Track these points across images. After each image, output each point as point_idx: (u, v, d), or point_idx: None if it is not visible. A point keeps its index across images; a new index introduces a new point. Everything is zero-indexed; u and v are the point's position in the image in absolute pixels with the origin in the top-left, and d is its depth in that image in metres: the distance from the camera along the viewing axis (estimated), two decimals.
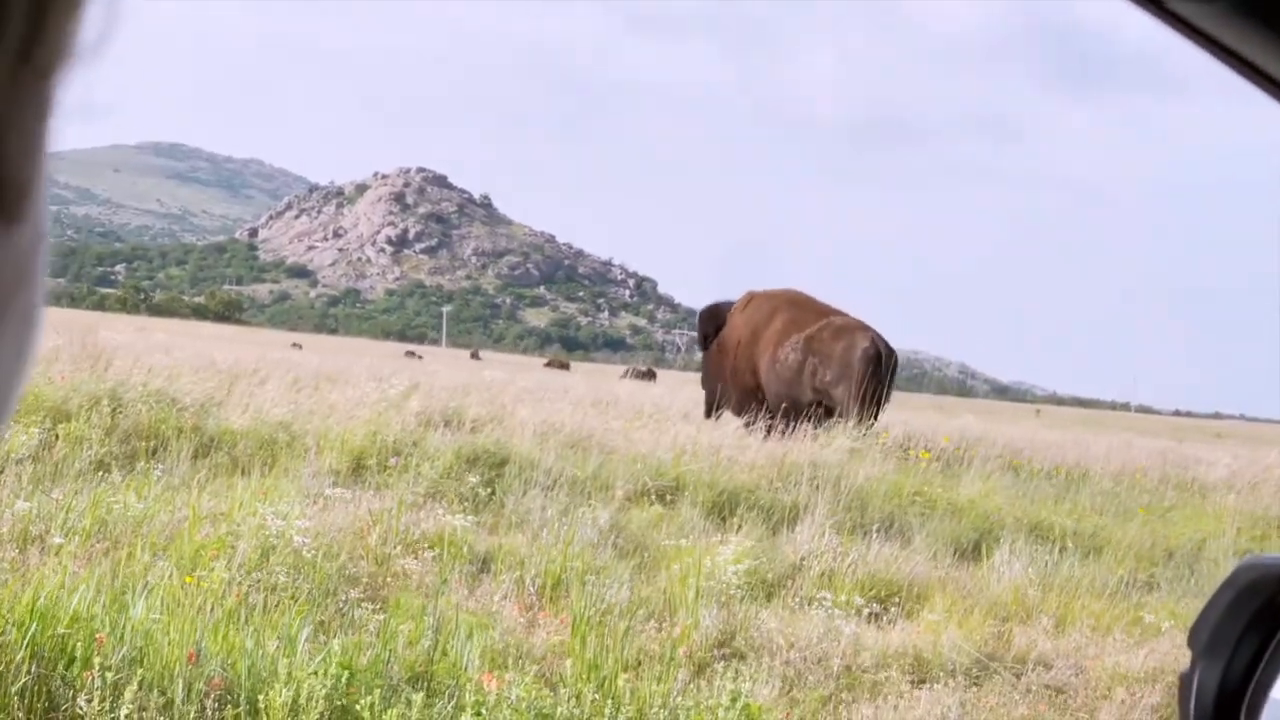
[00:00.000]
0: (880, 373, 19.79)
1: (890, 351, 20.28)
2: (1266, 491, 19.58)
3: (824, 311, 21.18)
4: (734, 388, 20.76)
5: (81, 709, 6.34)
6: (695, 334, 20.61)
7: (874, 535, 13.09)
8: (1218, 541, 15.27)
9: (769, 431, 18.72)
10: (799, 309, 21.11)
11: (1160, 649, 10.47)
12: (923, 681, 9.55)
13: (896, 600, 11.46)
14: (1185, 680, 1.54)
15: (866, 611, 10.85)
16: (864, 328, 20.49)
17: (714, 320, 21.95)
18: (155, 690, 6.60)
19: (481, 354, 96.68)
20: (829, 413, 19.74)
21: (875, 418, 19.64)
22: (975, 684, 9.70)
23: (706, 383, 21.93)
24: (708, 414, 20.90)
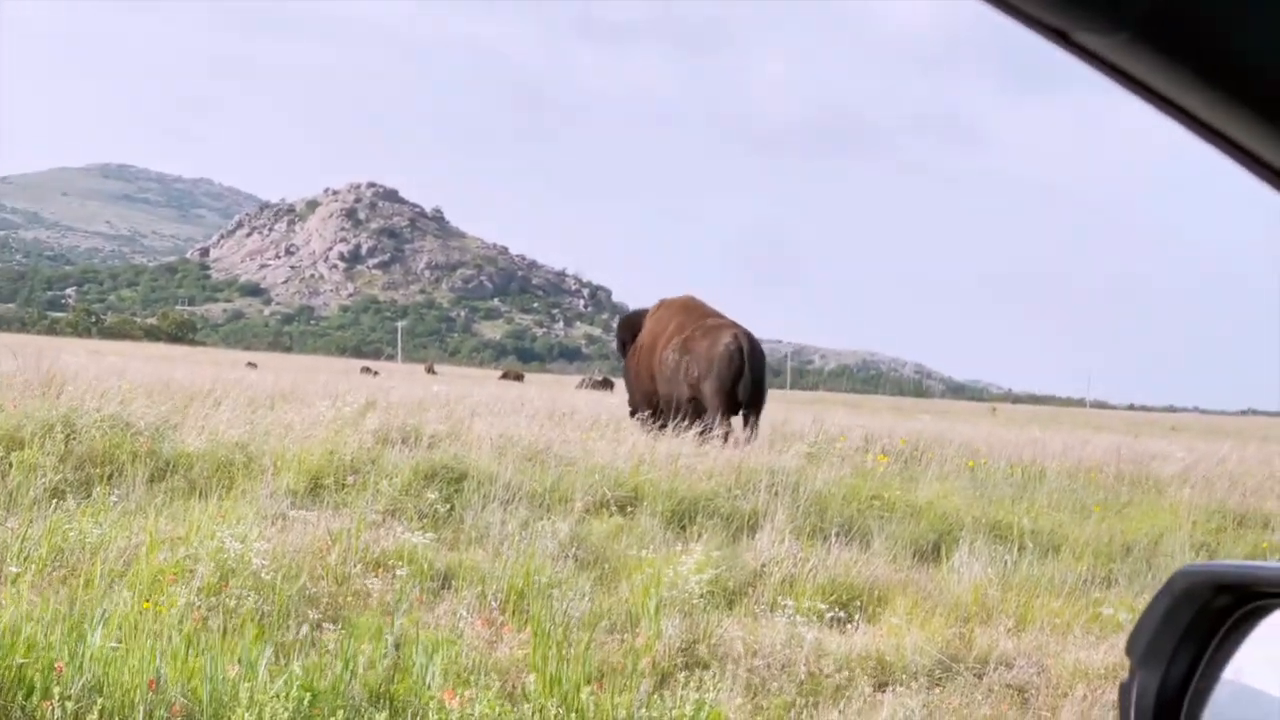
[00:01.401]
0: (741, 367, 20.22)
1: (754, 347, 20.71)
2: (1221, 485, 19.72)
3: (705, 314, 21.80)
4: (638, 390, 21.63)
5: None
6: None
7: (834, 540, 13.13)
8: (1174, 536, 15.37)
9: (663, 429, 19.31)
10: (687, 314, 21.72)
11: (1120, 645, 10.53)
12: (885, 685, 9.60)
13: (858, 604, 11.50)
14: (1125, 689, 1.57)
15: (828, 616, 10.90)
16: (730, 326, 21.03)
17: (630, 328, 22.85)
18: (116, 718, 6.58)
19: (437, 368, 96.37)
20: (700, 410, 20.30)
21: (755, 412, 20.29)
22: (938, 685, 9.75)
23: (628, 387, 22.76)
24: (632, 415, 21.50)
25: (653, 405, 21.04)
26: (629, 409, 22.12)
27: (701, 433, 18.67)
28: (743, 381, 20.20)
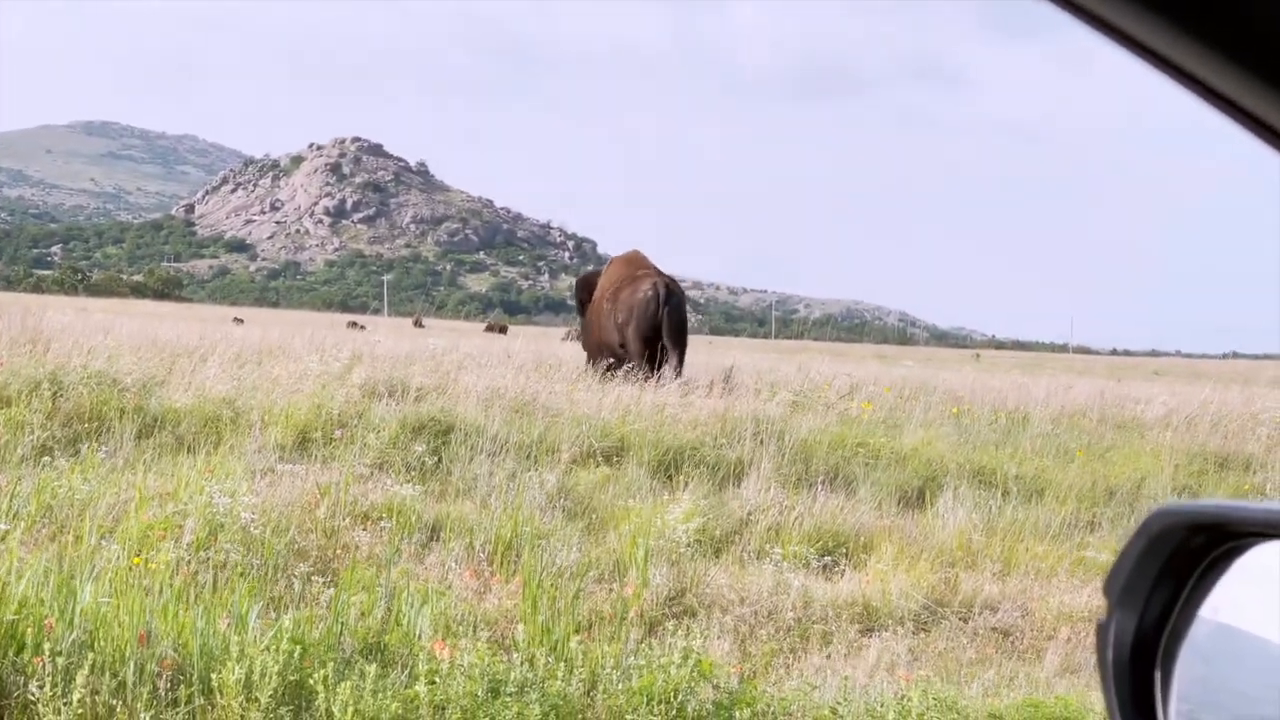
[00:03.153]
0: (658, 312, 21.44)
1: (671, 294, 21.82)
2: (1203, 428, 19.78)
3: (640, 265, 23.14)
4: (593, 341, 22.72)
5: (33, 695, 6.35)
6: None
7: (819, 487, 13.18)
8: (1157, 479, 15.44)
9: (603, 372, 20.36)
10: (629, 266, 23.17)
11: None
12: (871, 630, 9.67)
13: (844, 551, 11.56)
14: (1102, 629, 1.59)
15: (815, 564, 10.96)
16: (652, 276, 22.27)
17: (587, 287, 24.02)
18: (107, 673, 6.61)
19: (425, 321, 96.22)
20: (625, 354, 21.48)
21: (678, 354, 21.34)
22: (923, 630, 9.83)
23: (584, 340, 23.99)
24: (588, 364, 22.40)
25: (608, 355, 21.91)
26: (586, 360, 22.91)
27: (626, 374, 19.66)
28: (662, 326, 21.36)
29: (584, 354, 23.52)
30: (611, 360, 21.32)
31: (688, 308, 23.10)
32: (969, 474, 14.56)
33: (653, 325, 21.40)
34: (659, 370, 20.18)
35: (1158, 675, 1.57)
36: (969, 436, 17.21)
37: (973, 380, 28.02)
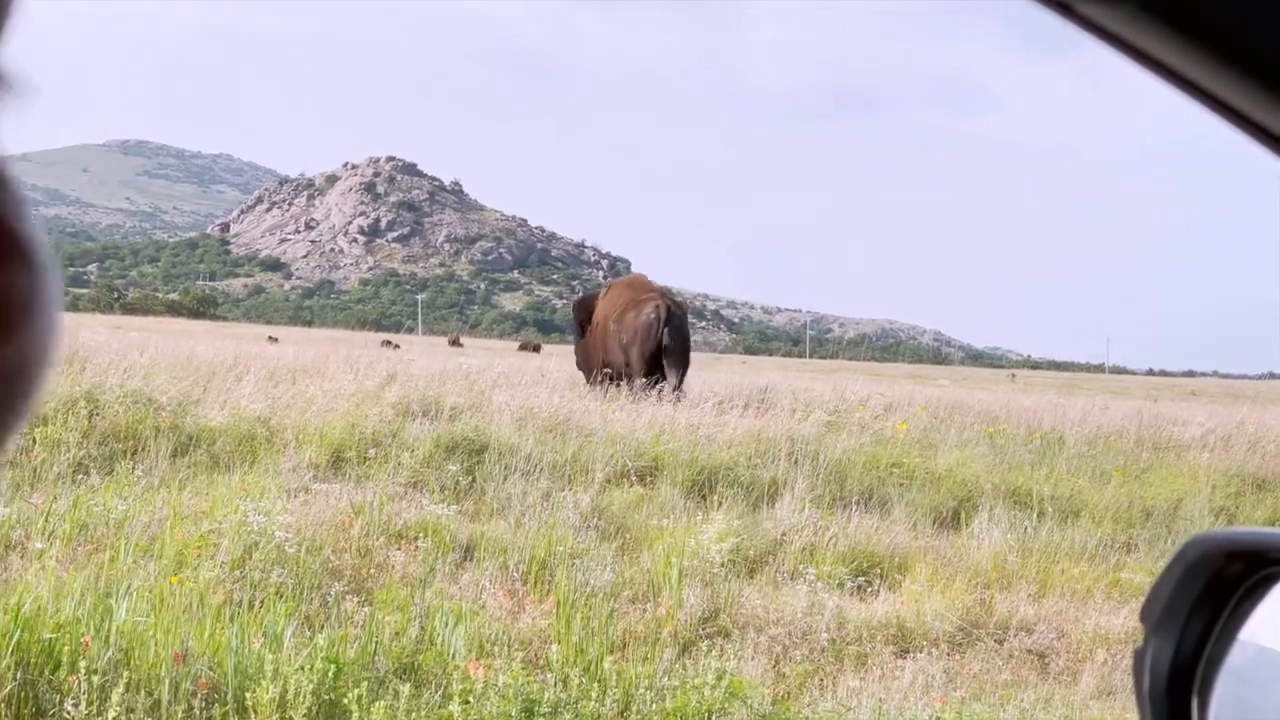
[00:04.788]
0: (660, 334, 22.08)
1: (673, 316, 22.48)
2: (1240, 448, 19.66)
3: (645, 288, 23.99)
4: (598, 361, 23.24)
5: (69, 713, 6.37)
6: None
7: (854, 507, 13.16)
8: (1194, 500, 15.35)
9: (607, 390, 21.02)
10: (631, 289, 23.99)
11: (1140, 610, 10.55)
12: (907, 651, 9.63)
13: (878, 571, 11.53)
14: (1139, 656, 1.59)
15: (849, 584, 10.93)
16: (656, 298, 23.02)
17: (586, 309, 24.70)
18: (142, 691, 6.63)
19: (460, 340, 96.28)
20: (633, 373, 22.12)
21: (679, 373, 21.98)
22: (958, 651, 9.79)
23: (580, 359, 24.62)
24: (587, 383, 23.13)
25: (613, 374, 22.55)
26: (585, 379, 23.63)
27: (630, 391, 20.27)
28: (664, 346, 22.06)
29: (579, 374, 24.21)
30: (615, 379, 21.99)
31: (690, 328, 23.77)
32: (1004, 494, 14.51)
33: (656, 345, 22.03)
34: (660, 388, 20.62)
35: (1195, 702, 1.57)
36: (1004, 457, 17.14)
37: (1008, 400, 27.91)
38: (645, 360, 21.91)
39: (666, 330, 22.14)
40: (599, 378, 22.45)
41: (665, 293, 23.89)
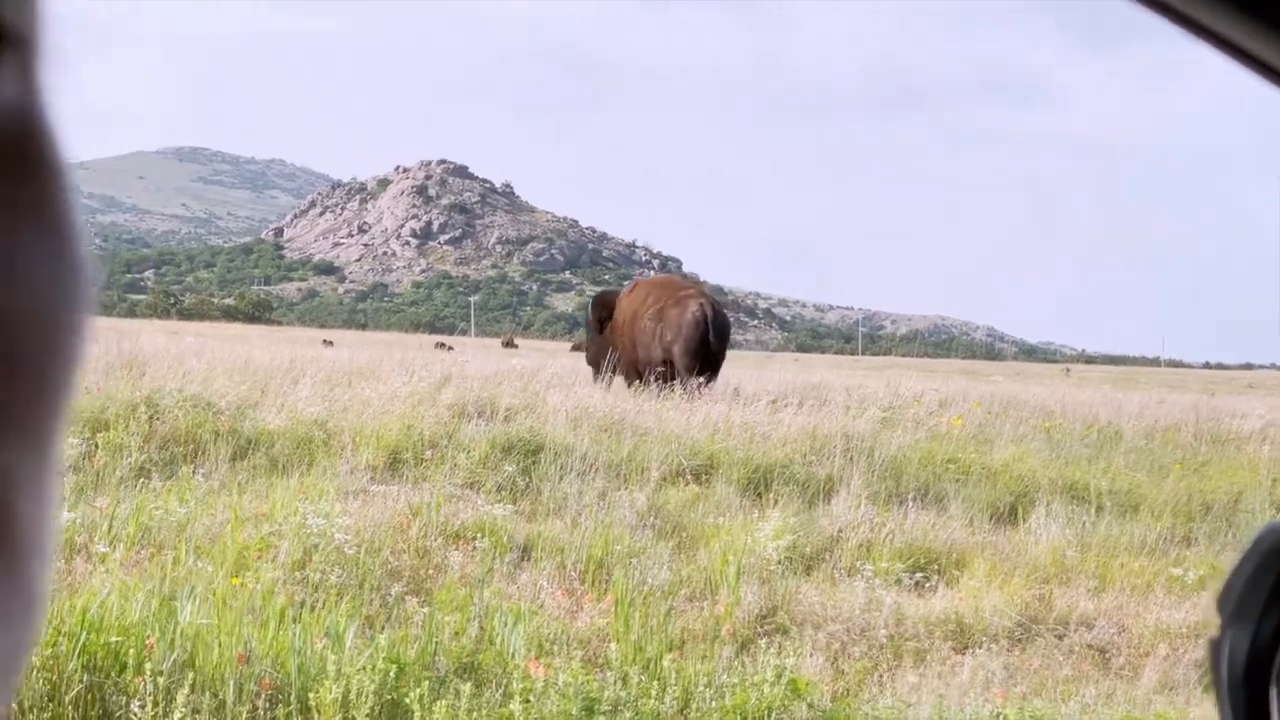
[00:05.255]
0: (706, 331, 22.50)
1: (718, 314, 23.04)
2: None
3: (680, 287, 24.66)
4: (623, 359, 23.58)
5: (135, 714, 6.43)
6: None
7: (910, 504, 13.13)
8: (1254, 493, 15.23)
9: (638, 387, 21.76)
10: (663, 288, 24.41)
11: (1204, 603, 10.49)
12: (966, 647, 9.60)
13: (936, 567, 11.50)
14: (1215, 646, 1.58)
15: (907, 580, 10.91)
16: (699, 296, 23.62)
17: (607, 306, 25.14)
18: (207, 693, 6.68)
19: (516, 341, 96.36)
20: (673, 370, 22.55)
21: (715, 372, 22.48)
22: (1018, 647, 9.75)
23: (593, 355, 25.11)
24: (595, 380, 23.53)
25: (635, 369, 23.18)
26: (593, 374, 24.18)
27: (674, 388, 20.56)
28: (709, 343, 22.51)
29: (590, 369, 24.75)
30: (648, 374, 22.46)
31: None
32: (1061, 489, 14.44)
33: (701, 343, 22.40)
34: (698, 382, 21.00)
35: (1274, 691, 1.56)
36: (1061, 451, 17.05)
37: (1063, 395, 27.79)
38: (688, 356, 22.24)
39: (713, 328, 22.53)
40: (611, 374, 22.97)
41: (703, 290, 24.45)
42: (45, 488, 0.46)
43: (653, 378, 22.06)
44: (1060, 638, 9.94)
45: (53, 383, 0.45)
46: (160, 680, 6.51)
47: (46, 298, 0.45)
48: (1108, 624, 10.22)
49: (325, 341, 54.49)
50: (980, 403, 22.02)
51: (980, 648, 9.48)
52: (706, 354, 22.41)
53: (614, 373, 22.97)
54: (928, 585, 11.03)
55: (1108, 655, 9.80)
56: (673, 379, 21.68)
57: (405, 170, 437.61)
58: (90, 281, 0.47)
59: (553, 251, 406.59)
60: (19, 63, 0.47)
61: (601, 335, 24.81)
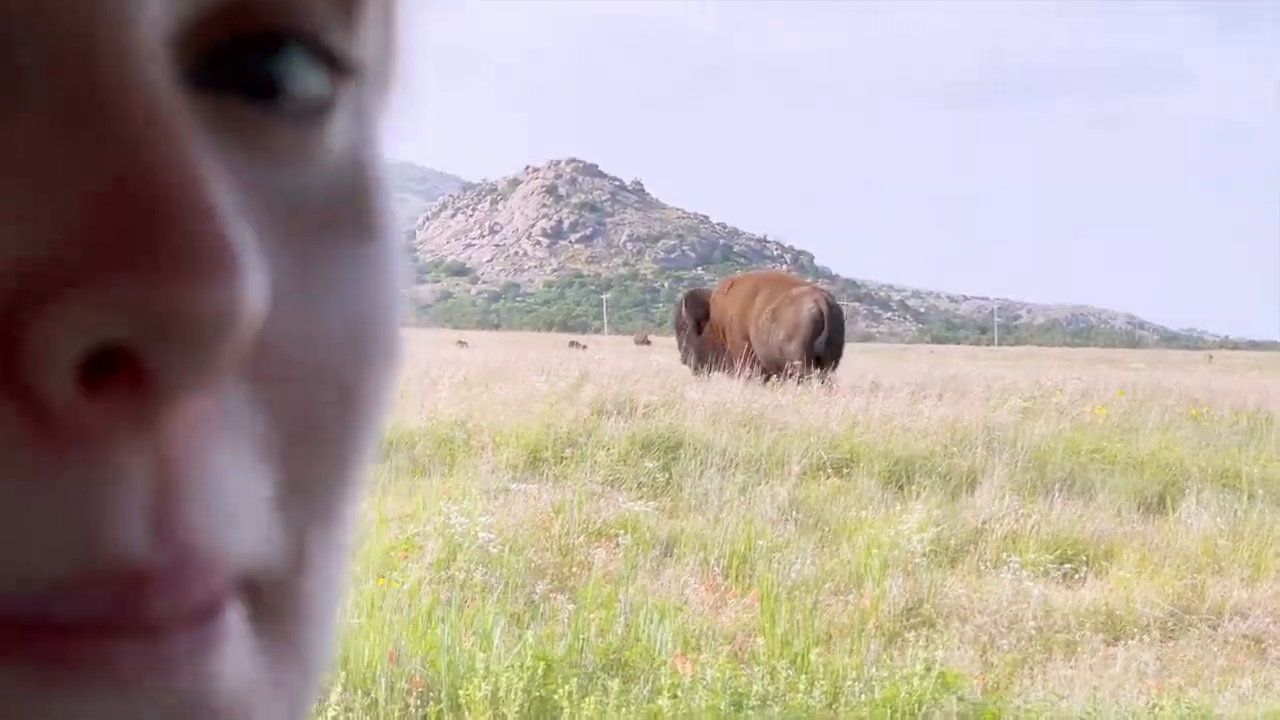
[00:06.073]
0: (823, 327, 22.88)
1: (834, 310, 23.46)
2: None
3: (791, 284, 25.20)
4: (733, 354, 23.87)
5: None
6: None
7: (1055, 494, 12.97)
8: None
9: (765, 382, 21.62)
10: (773, 285, 24.85)
11: None
12: (1117, 639, 9.45)
13: (1084, 558, 11.34)
14: None
15: (1054, 571, 10.78)
16: (814, 292, 24.18)
17: (701, 305, 25.60)
18: (359, 691, 6.75)
19: (650, 338, 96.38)
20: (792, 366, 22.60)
21: (834, 366, 22.78)
22: (1171, 638, 9.59)
23: (693, 351, 25.46)
24: (695, 372, 24.17)
25: (746, 366, 23.06)
26: (696, 369, 24.57)
27: (795, 382, 20.71)
28: (824, 339, 22.88)
29: (687, 369, 24.93)
30: (767, 371, 22.61)
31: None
32: (1211, 478, 14.18)
33: (819, 338, 22.78)
34: (818, 377, 21.20)
35: None
36: (1209, 439, 16.75)
37: (1207, 382, 27.36)
38: (806, 352, 22.52)
39: (829, 323, 22.89)
40: (711, 367, 23.48)
41: (814, 285, 25.12)
42: (333, 560, 0.46)
43: (774, 374, 22.19)
44: (1214, 628, 9.76)
45: (353, 453, 0.45)
46: None
47: (354, 367, 0.45)
48: (1263, 614, 10.01)
49: (460, 342, 54.95)
50: (1123, 391, 21.70)
51: (1132, 639, 9.33)
52: (823, 348, 22.71)
53: (720, 371, 23.21)
54: (1076, 577, 10.89)
55: (1264, 645, 9.59)
56: (791, 375, 21.78)
57: (535, 170, 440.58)
58: (400, 354, 0.47)
59: (684, 248, 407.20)
60: (358, 106, 0.46)
61: (700, 336, 25.16)
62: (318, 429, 0.43)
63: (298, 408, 0.41)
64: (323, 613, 0.44)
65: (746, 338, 23.82)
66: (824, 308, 23.04)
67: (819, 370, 21.79)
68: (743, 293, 24.65)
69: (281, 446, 0.41)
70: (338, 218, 0.44)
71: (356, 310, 0.44)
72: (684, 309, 26.15)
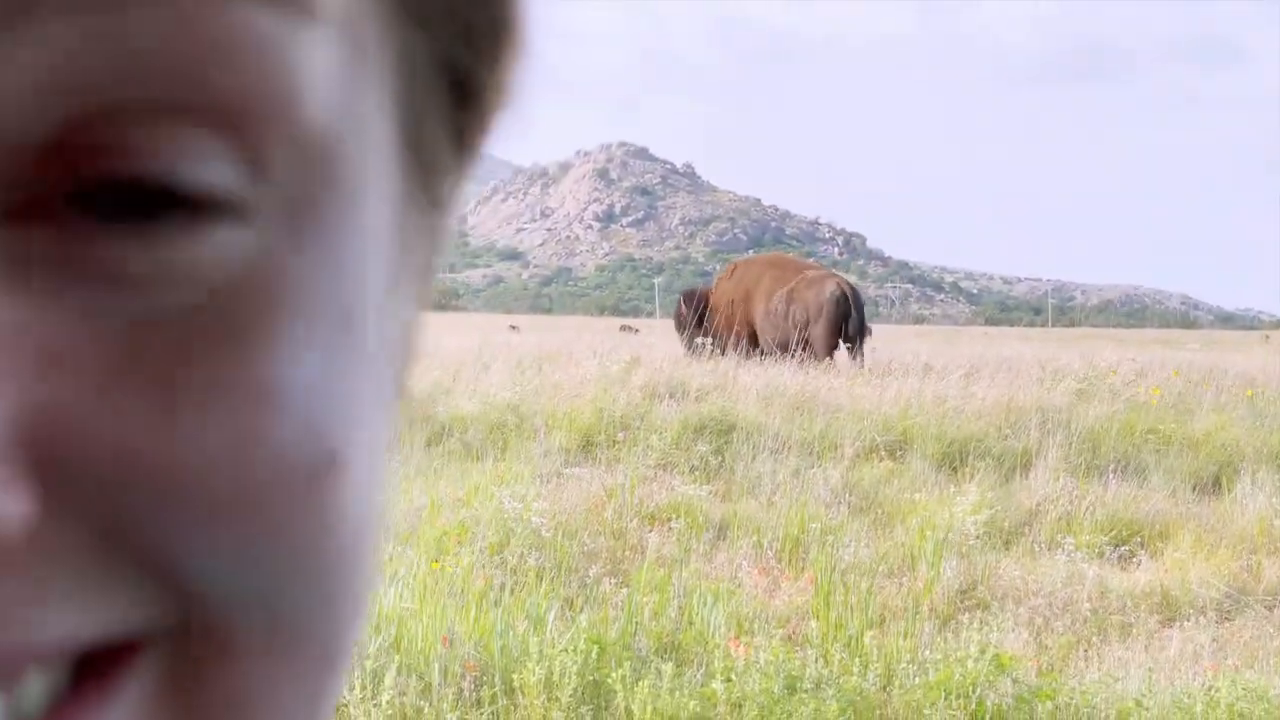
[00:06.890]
0: (848, 310, 22.95)
1: (854, 292, 23.54)
2: None
3: (801, 267, 25.33)
4: (736, 338, 23.89)
5: (344, 697, 6.54)
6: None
7: (1109, 476, 12.90)
8: None
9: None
10: (781, 268, 25.05)
11: None
12: (1172, 620, 9.40)
13: (1139, 540, 11.28)
14: None
15: (1109, 553, 10.72)
16: (831, 276, 24.20)
17: (700, 300, 25.53)
18: (413, 675, 6.78)
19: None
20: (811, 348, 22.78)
21: (861, 348, 22.77)
22: (1227, 619, 9.53)
23: (698, 339, 24.99)
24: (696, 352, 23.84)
25: (748, 348, 23.32)
26: (691, 351, 24.19)
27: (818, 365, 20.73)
28: (850, 321, 22.96)
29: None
30: (764, 350, 22.83)
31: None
32: (1267, 458, 14.07)
33: (843, 321, 22.82)
34: (850, 356, 21.82)
35: None
36: (1265, 420, 16.60)
37: (1264, 363, 27.07)
38: (832, 335, 22.67)
39: (853, 306, 22.98)
40: (741, 352, 23.07)
41: (826, 269, 25.34)
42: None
43: (785, 355, 22.10)
44: (1270, 609, 9.70)
45: (343, 613, 0.41)
46: (368, 664, 6.62)
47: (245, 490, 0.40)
48: None
49: (511, 327, 54.99)
50: (1179, 371, 21.54)
51: (1188, 620, 9.28)
52: (847, 331, 22.78)
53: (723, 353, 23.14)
54: (1131, 558, 10.84)
55: None
56: (811, 357, 21.87)
57: (586, 154, 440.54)
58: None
59: (735, 231, 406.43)
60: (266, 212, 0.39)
61: (702, 327, 25.08)
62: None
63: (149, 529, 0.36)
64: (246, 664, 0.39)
65: (751, 321, 24.05)
66: (845, 289, 23.23)
67: (849, 349, 22.18)
68: (746, 278, 24.88)
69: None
70: (212, 335, 0.37)
71: (237, 433, 0.37)
72: (683, 307, 26.33)
